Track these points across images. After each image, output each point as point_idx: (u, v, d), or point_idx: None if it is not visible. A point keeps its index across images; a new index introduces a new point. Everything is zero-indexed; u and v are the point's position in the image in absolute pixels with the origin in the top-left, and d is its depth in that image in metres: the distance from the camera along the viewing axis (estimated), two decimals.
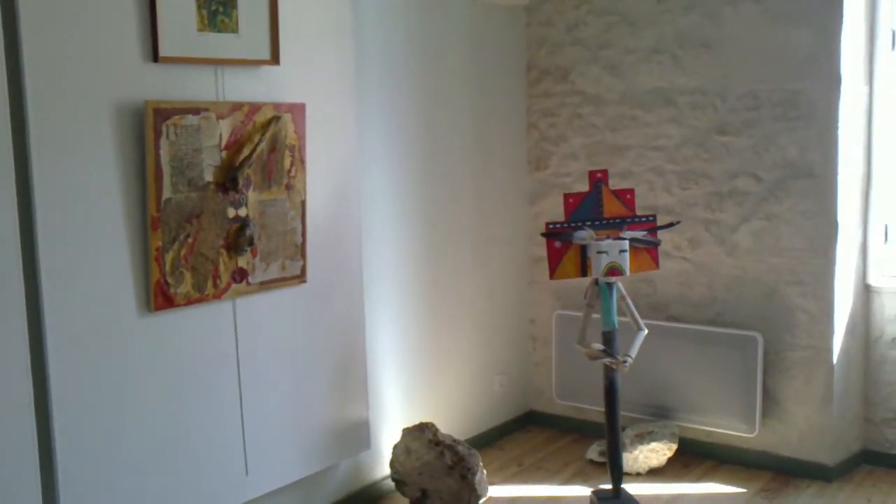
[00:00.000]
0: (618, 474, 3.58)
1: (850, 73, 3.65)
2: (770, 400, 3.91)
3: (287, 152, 3.14)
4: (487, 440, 4.35)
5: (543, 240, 4.50)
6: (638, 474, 3.98)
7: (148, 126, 2.68)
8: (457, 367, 4.21)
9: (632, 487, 3.68)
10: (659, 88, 4.05)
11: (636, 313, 3.54)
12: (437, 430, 3.72)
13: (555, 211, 4.44)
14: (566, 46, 4.30)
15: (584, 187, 4.27)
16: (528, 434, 4.55)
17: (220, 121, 2.89)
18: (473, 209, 4.22)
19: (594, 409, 4.39)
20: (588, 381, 4.34)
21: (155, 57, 2.73)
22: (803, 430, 3.87)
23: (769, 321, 3.88)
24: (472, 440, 4.17)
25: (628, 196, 3.56)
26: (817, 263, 3.74)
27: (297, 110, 3.15)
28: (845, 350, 3.82)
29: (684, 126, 4.01)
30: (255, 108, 3.00)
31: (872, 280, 3.90)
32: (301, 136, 3.18)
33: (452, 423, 4.08)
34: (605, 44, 4.18)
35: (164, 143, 2.73)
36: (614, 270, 3.41)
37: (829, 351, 3.76)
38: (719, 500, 3.72)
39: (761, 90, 3.79)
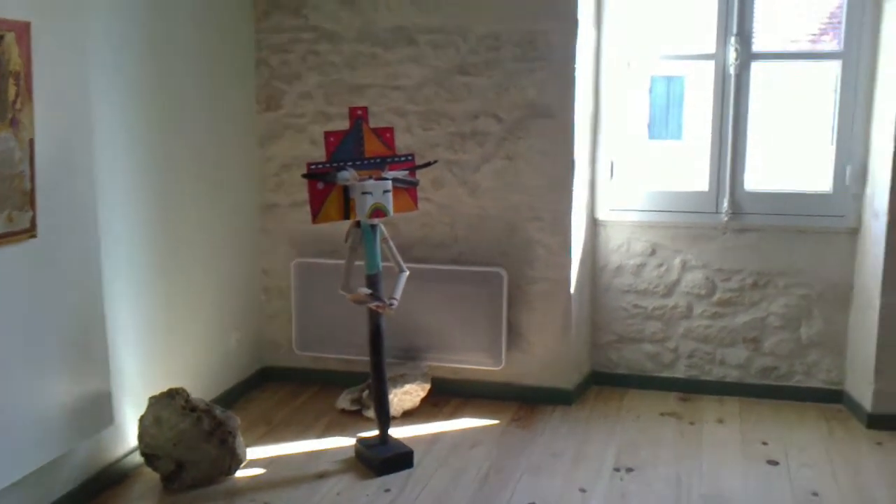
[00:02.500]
0: (385, 420, 3.53)
1: (584, 16, 3.83)
2: (514, 333, 4.07)
3: (11, 80, 2.62)
4: (227, 401, 4.07)
5: (276, 184, 4.30)
6: (393, 418, 3.95)
7: None
8: (195, 325, 3.87)
9: (390, 432, 3.64)
10: (399, 26, 3.97)
11: (398, 255, 3.48)
12: (188, 395, 3.39)
13: (289, 154, 4.22)
14: None
15: (319, 128, 4.11)
16: (268, 391, 4.33)
17: None
18: (203, 154, 3.85)
19: (336, 358, 4.30)
20: (330, 331, 4.23)
21: None
22: (545, 359, 4.08)
23: (511, 257, 4.02)
24: (213, 402, 3.87)
25: (388, 135, 3.46)
26: (555, 200, 3.93)
27: (22, 30, 2.63)
28: (579, 281, 4.07)
29: (425, 66, 3.98)
30: None
31: (600, 214, 4.18)
32: (27, 62, 2.66)
33: (193, 387, 3.75)
34: None
35: None
36: (379, 212, 3.31)
37: (567, 282, 3.98)
38: (476, 434, 3.81)
39: (502, 31, 3.85)
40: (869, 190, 3.82)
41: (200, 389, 3.82)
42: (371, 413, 3.83)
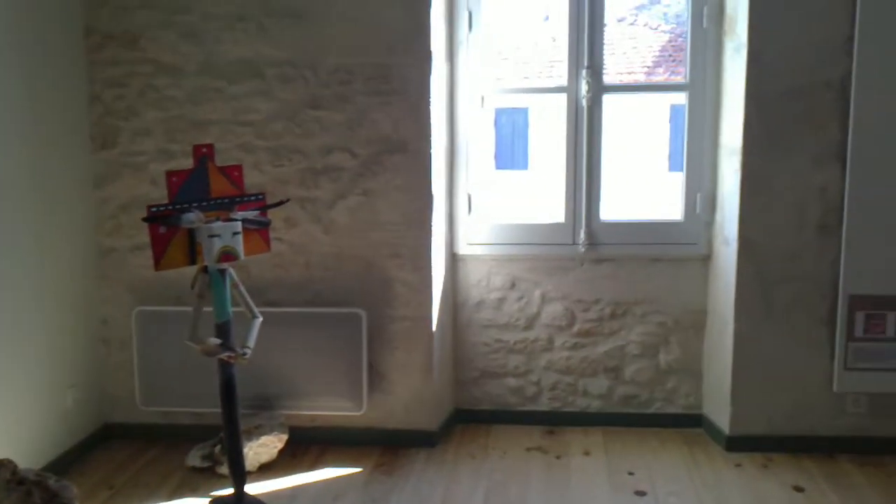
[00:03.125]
0: (241, 476, 3.28)
1: (437, 50, 3.76)
2: (375, 375, 3.92)
3: None
4: (64, 465, 3.71)
5: (113, 227, 4.00)
6: (249, 473, 3.71)
7: None
8: (23, 384, 3.51)
9: (247, 489, 3.40)
10: (245, 59, 3.78)
11: (250, 300, 3.27)
12: (15, 466, 3.04)
13: (127, 194, 3.93)
14: (134, 9, 3.79)
15: (160, 167, 3.86)
16: (110, 451, 3.98)
17: None
18: (32, 195, 3.52)
19: (185, 412, 4.01)
20: (177, 383, 3.94)
21: None
22: (408, 400, 3.95)
23: (370, 296, 3.87)
24: (48, 468, 3.52)
25: (236, 173, 3.25)
26: (414, 236, 3.82)
27: None
28: (441, 317, 3.97)
29: (274, 100, 3.80)
30: None
31: (459, 249, 4.10)
32: None
33: (24, 454, 3.40)
34: (180, 8, 3.77)
35: None
36: (228, 255, 3.10)
37: (429, 319, 3.87)
38: (339, 485, 3.62)
39: (354, 64, 3.73)
40: (719, 217, 3.92)
41: (32, 455, 3.47)
42: (225, 469, 3.58)
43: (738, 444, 3.86)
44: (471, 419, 4.22)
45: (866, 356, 3.69)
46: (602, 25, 3.92)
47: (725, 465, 3.75)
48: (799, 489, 3.51)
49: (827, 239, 3.68)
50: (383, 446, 3.95)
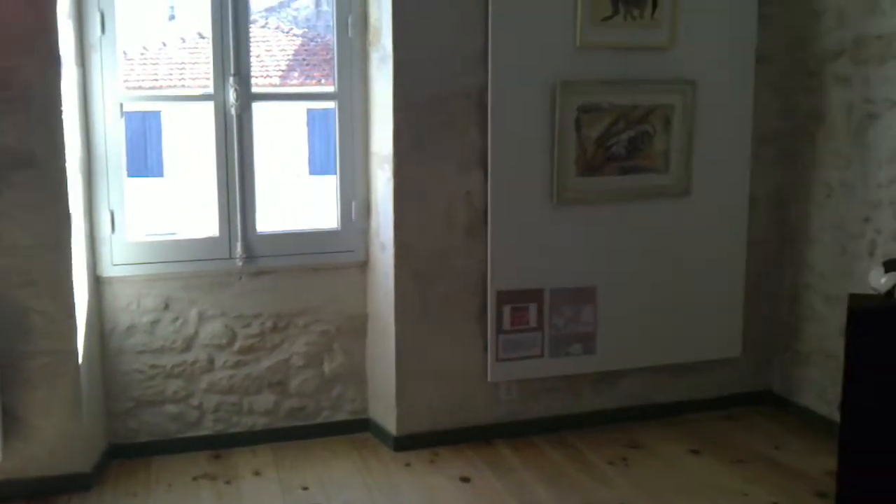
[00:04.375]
0: None
1: (66, 53, 3.39)
2: (11, 419, 3.45)
3: None
4: None
5: None
6: None
7: None
8: None
9: None
10: None
11: None
12: None
13: None
14: None
15: None
16: None
17: None
18: None
19: None
20: None
21: None
22: (53, 443, 3.53)
23: (0, 332, 3.40)
24: None
25: None
26: (51, 261, 3.41)
27: None
28: (87, 348, 3.60)
29: None
30: None
31: (104, 271, 3.75)
32: None
33: None
34: None
35: None
36: None
37: (74, 352, 3.49)
38: None
39: None
40: (374, 224, 3.98)
41: None
42: None
43: (405, 443, 3.97)
44: (128, 454, 3.89)
45: (514, 346, 3.98)
46: (248, 31, 3.80)
47: (396, 466, 3.83)
48: (465, 479, 3.69)
49: (474, 240, 3.90)
50: (27, 498, 3.50)
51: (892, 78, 3.74)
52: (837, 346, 3.86)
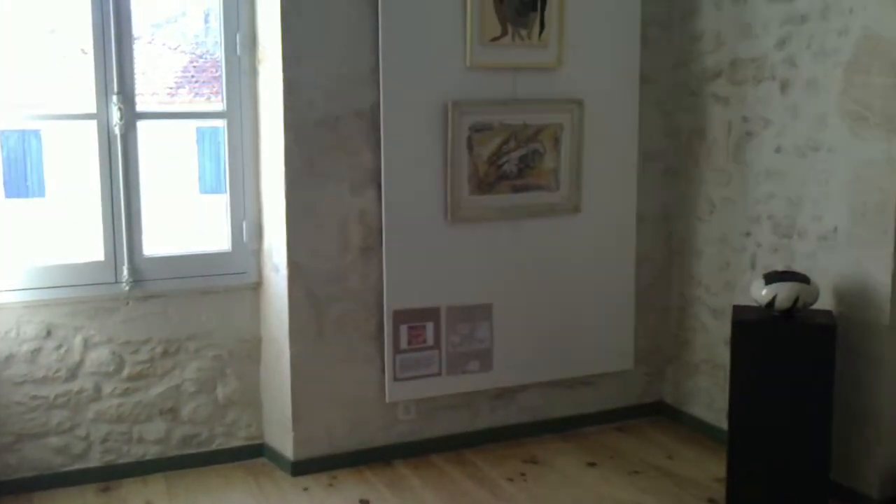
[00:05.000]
0: None
1: None
2: None
3: None
4: None
5: None
6: None
7: None
8: None
9: None
10: None
11: None
12: None
13: None
14: None
15: None
16: None
17: None
18: None
19: None
20: None
21: None
22: None
23: None
24: None
25: None
26: None
27: None
28: None
29: None
30: None
31: None
32: None
33: None
34: None
35: None
36: None
37: None
38: None
39: None
40: (266, 244, 3.92)
41: None
42: None
43: (303, 467, 3.90)
44: (8, 491, 3.69)
45: (411, 365, 3.97)
46: (132, 47, 3.69)
47: (293, 491, 3.77)
48: (364, 501, 3.65)
49: (370, 259, 3.88)
50: None
51: (766, 98, 3.92)
52: (724, 356, 4.00)
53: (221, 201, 3.98)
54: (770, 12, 3.85)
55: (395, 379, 3.96)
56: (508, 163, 4.01)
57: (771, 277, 3.49)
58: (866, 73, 3.42)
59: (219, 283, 3.92)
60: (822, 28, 3.61)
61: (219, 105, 3.92)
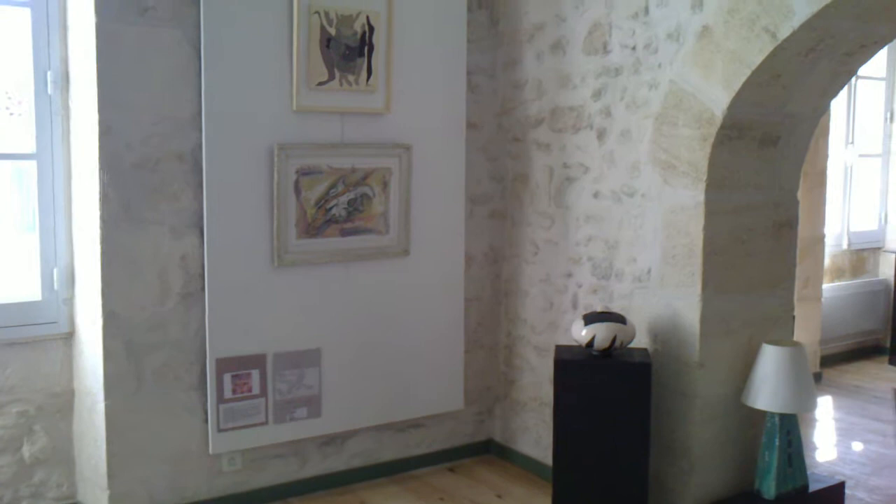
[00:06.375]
0: None
1: None
2: None
3: None
4: None
5: None
6: None
7: None
8: None
9: None
10: None
11: None
12: None
13: None
14: None
15: None
16: None
17: None
18: None
19: None
20: None
21: None
22: None
23: None
24: None
25: None
26: None
27: None
28: None
29: None
30: None
31: None
32: None
33: None
34: None
35: None
36: None
37: None
38: None
39: None
40: (79, 292, 3.71)
41: None
42: None
43: None
44: None
45: (236, 415, 3.84)
46: None
47: None
48: None
49: (191, 306, 3.75)
50: None
51: (584, 145, 4.09)
52: (550, 394, 4.09)
53: (32, 244, 3.75)
54: (587, 64, 4.04)
55: (220, 430, 3.81)
56: (337, 206, 3.99)
57: (590, 318, 3.62)
58: (674, 125, 3.63)
59: (27, 333, 3.68)
60: (634, 81, 3.81)
61: (29, 145, 3.70)
